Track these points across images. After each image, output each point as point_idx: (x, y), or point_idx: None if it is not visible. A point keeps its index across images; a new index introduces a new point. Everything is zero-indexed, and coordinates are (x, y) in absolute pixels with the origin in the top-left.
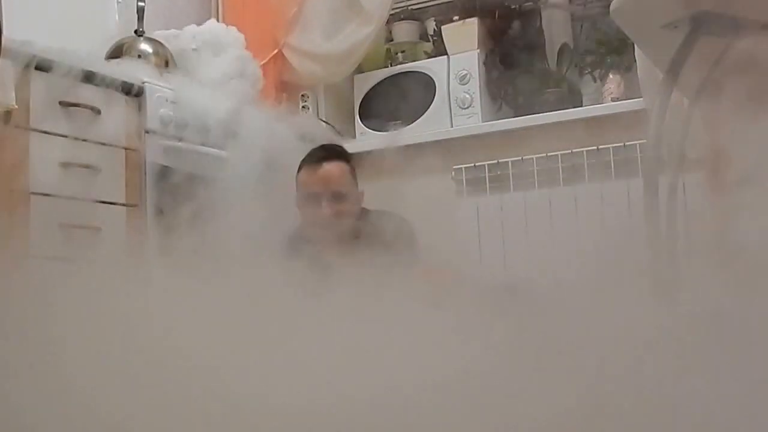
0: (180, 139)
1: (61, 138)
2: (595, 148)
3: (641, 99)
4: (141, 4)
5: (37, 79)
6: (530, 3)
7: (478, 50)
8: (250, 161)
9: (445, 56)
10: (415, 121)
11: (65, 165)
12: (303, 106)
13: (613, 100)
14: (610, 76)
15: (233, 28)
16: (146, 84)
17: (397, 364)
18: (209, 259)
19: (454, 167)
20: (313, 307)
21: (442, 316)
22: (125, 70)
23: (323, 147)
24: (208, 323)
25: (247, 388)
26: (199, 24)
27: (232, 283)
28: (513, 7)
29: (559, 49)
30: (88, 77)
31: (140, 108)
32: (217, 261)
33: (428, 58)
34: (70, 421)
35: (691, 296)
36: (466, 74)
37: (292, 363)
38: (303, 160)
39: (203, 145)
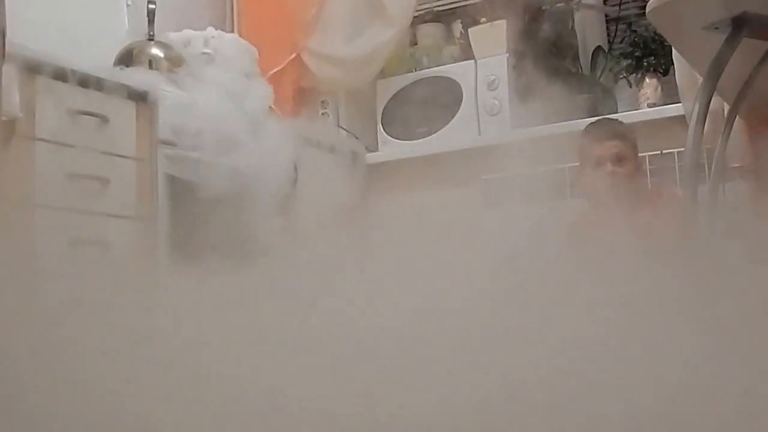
0: (193, 150)
1: (69, 148)
2: None
3: (679, 105)
4: (152, 6)
5: (43, 86)
6: (562, 4)
7: (507, 54)
8: (267, 173)
9: (472, 60)
10: (440, 129)
11: (72, 176)
12: (323, 114)
13: (649, 105)
14: (647, 80)
15: (244, 42)
16: (158, 91)
17: None
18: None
19: (483, 177)
20: None
21: None
22: (135, 76)
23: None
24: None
25: None
26: (214, 27)
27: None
28: (544, 8)
29: (593, 52)
30: (97, 84)
31: (151, 116)
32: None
33: (454, 62)
34: None
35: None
36: (494, 79)
37: None
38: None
39: (218, 155)
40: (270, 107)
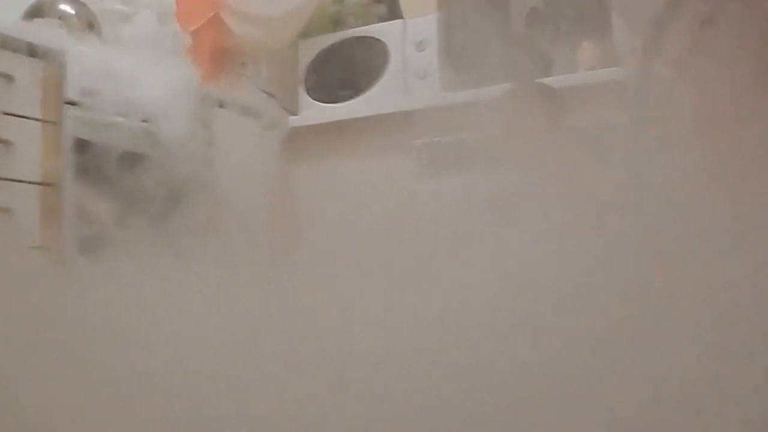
0: (104, 111)
1: None
2: None
3: (618, 68)
4: None
5: None
6: None
7: (438, 13)
8: (182, 136)
9: (401, 20)
10: (365, 91)
11: None
12: (243, 75)
13: (587, 69)
14: (584, 42)
15: None
16: (66, 49)
17: None
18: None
19: (412, 143)
20: None
21: None
22: (43, 32)
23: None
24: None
25: None
26: None
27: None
28: None
29: (528, 11)
30: (1, 41)
31: (59, 76)
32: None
33: (381, 21)
34: None
35: None
36: (423, 40)
37: None
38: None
39: (129, 117)
40: (188, 67)
